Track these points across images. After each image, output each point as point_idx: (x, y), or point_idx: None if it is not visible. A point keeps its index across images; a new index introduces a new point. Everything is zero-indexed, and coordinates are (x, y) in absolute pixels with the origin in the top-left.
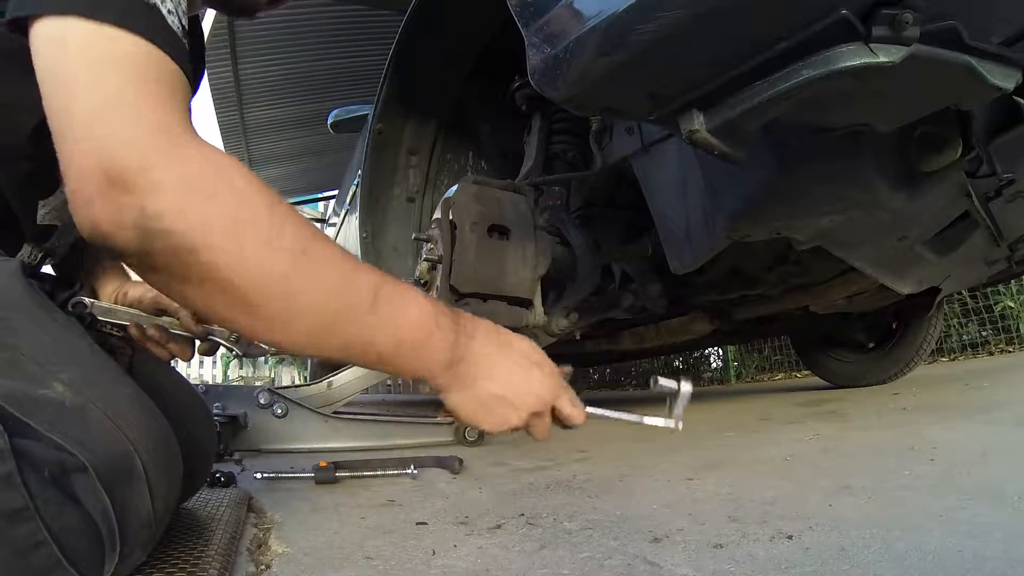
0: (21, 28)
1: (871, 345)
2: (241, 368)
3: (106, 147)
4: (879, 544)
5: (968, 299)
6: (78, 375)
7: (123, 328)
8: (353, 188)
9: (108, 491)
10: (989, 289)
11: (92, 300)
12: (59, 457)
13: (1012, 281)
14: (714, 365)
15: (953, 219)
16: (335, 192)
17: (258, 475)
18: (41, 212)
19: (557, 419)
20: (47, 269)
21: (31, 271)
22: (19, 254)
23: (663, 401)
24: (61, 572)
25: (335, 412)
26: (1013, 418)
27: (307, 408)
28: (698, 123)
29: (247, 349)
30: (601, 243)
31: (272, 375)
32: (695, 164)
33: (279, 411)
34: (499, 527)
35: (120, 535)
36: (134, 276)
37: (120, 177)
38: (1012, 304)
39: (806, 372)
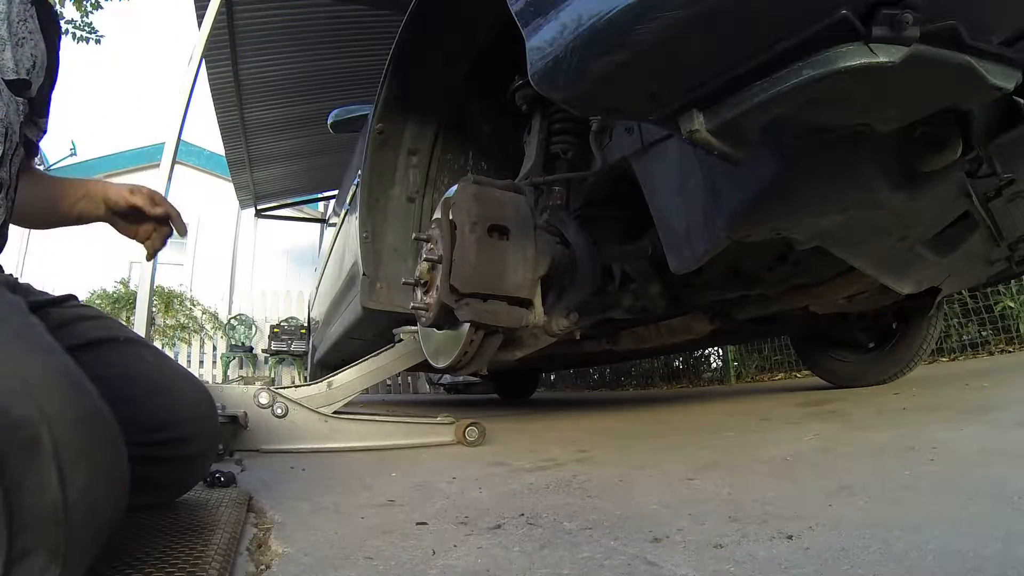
0: None
1: (871, 345)
2: (241, 368)
3: None
4: (879, 544)
5: (968, 299)
6: None
7: None
8: (353, 188)
9: None
10: (989, 289)
11: None
12: None
13: (1012, 281)
14: (714, 365)
15: (953, 219)
16: (335, 192)
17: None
18: None
19: None
20: None
21: None
22: None
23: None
24: None
25: (335, 412)
26: (1013, 418)
27: (307, 408)
28: (698, 123)
29: None
30: (601, 243)
31: (272, 375)
32: (695, 164)
33: (279, 411)
34: (499, 527)
35: (9, 520)
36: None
37: None
38: (1012, 304)
39: (806, 372)
